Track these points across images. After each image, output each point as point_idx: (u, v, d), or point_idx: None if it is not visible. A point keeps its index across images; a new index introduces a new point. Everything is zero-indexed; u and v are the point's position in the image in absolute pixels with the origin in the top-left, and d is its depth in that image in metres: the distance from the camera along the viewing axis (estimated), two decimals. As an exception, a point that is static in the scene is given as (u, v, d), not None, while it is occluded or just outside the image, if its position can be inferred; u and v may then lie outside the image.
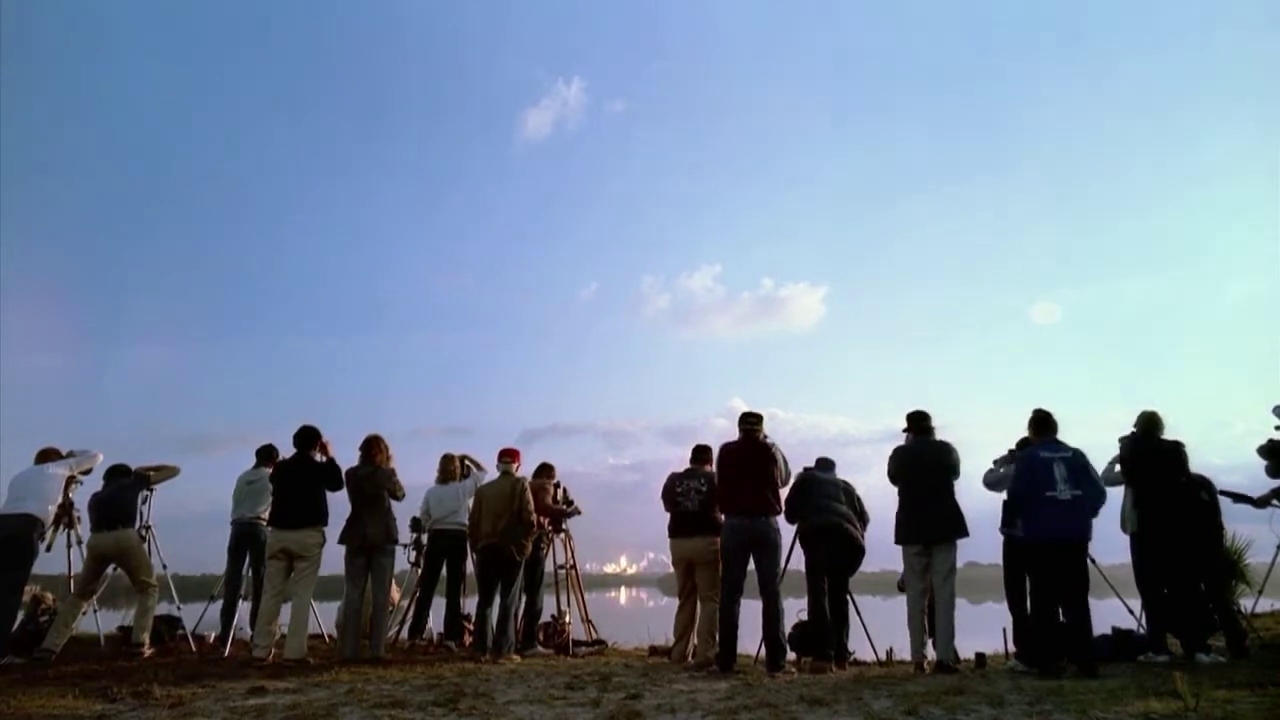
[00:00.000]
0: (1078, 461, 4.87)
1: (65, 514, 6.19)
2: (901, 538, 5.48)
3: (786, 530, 5.69)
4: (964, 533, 5.33)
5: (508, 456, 6.34)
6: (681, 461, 6.03)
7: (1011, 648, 5.59)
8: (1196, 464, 5.55)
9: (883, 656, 6.12)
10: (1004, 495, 5.49)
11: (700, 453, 5.99)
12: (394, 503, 6.04)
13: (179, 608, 6.82)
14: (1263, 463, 5.76)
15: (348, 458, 6.04)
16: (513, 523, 6.01)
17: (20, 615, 6.04)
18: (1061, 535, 4.82)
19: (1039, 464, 4.92)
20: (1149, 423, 5.62)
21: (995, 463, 5.73)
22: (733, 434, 5.61)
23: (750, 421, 5.53)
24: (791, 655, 5.84)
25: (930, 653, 5.29)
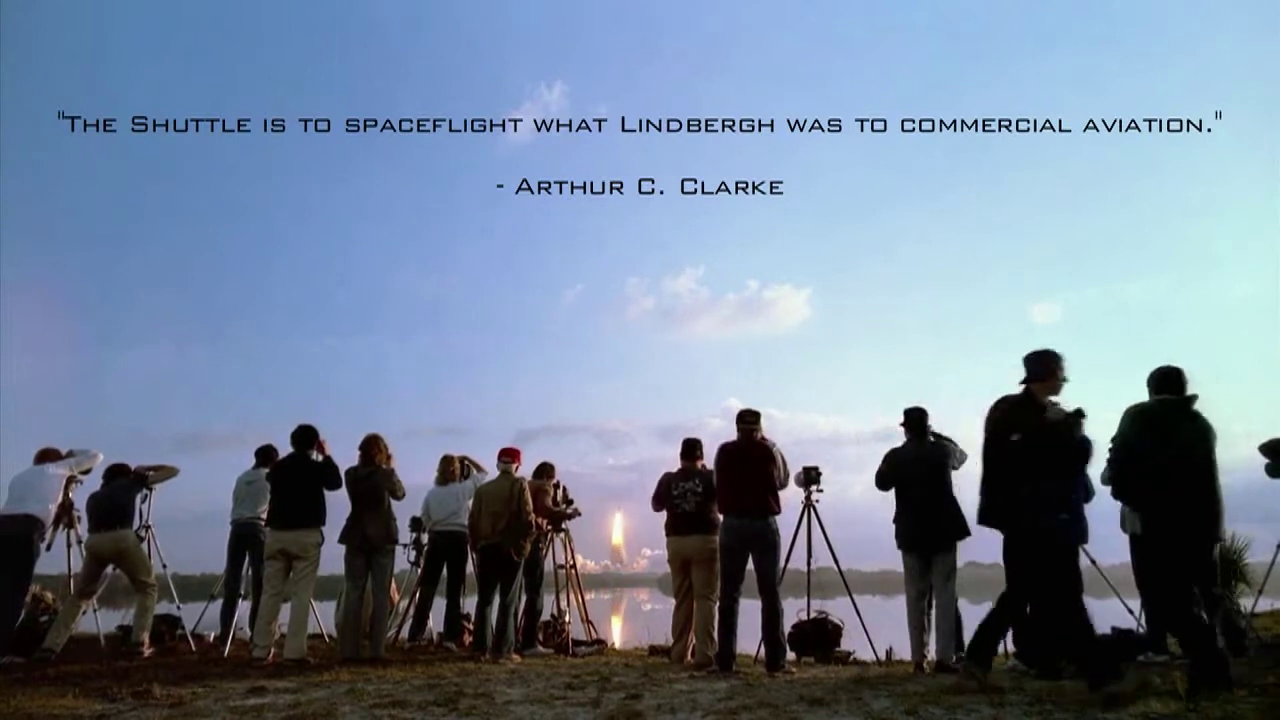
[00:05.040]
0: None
1: (65, 514, 6.19)
2: (902, 544, 5.45)
3: (786, 530, 5.70)
4: (965, 534, 5.32)
5: (508, 456, 6.33)
6: (678, 461, 5.94)
7: (1011, 648, 5.59)
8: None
9: (883, 656, 6.13)
10: None
11: (690, 448, 5.90)
12: (394, 502, 6.03)
13: (179, 607, 6.83)
14: (1262, 461, 5.75)
15: (346, 457, 6.04)
16: (512, 523, 6.00)
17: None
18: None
19: None
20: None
21: None
22: (729, 434, 5.59)
23: (748, 420, 5.50)
24: (791, 655, 5.85)
25: (930, 653, 5.29)
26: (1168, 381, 4.35)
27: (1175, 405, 4.28)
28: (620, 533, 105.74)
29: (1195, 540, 4.11)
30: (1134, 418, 4.34)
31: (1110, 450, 4.53)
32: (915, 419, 5.54)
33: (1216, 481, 4.15)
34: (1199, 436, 4.19)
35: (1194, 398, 4.28)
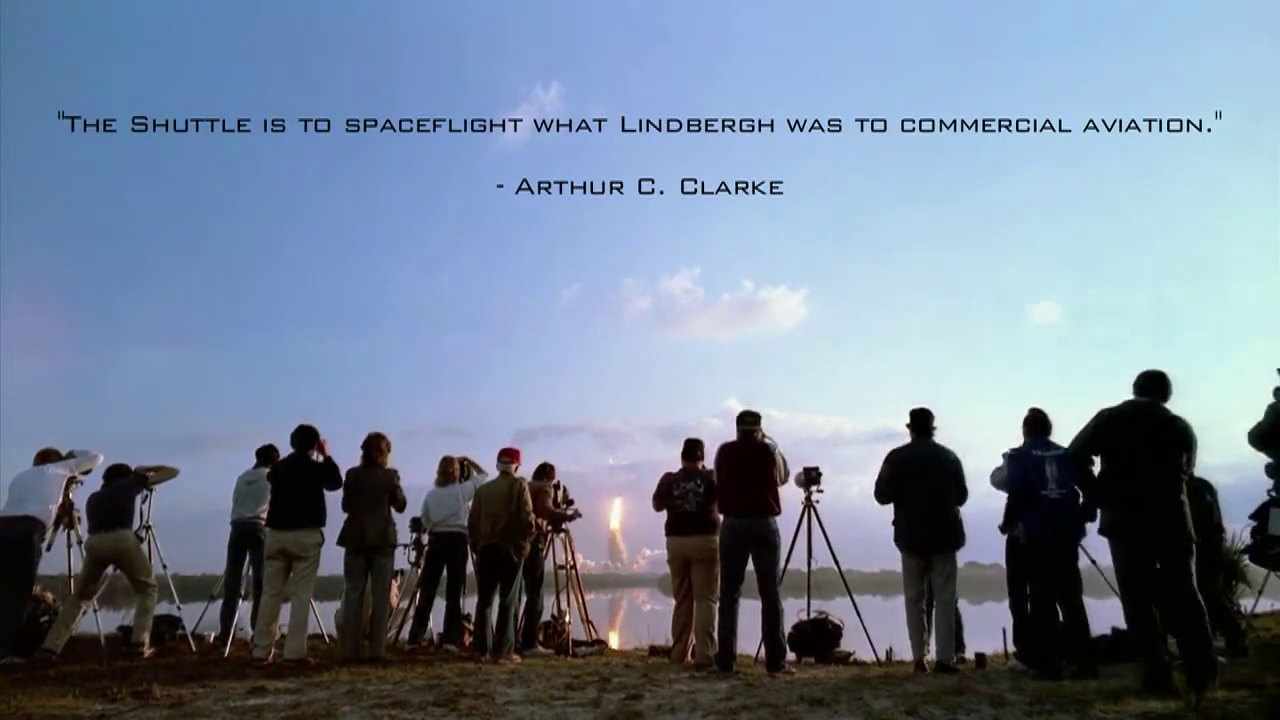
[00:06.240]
0: (1069, 460, 4.87)
1: (66, 515, 6.18)
2: (901, 544, 5.43)
3: (786, 530, 5.69)
4: (962, 543, 5.33)
5: (507, 456, 6.31)
6: (677, 462, 5.93)
7: (1011, 648, 5.59)
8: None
9: (883, 656, 6.13)
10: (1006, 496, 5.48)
11: (692, 448, 5.89)
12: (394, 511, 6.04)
13: (179, 608, 6.82)
14: (1263, 461, 5.66)
15: (346, 458, 6.04)
16: (511, 524, 6.00)
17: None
18: (1052, 533, 4.82)
19: (1031, 462, 4.92)
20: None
21: (1005, 456, 5.68)
22: (729, 434, 5.59)
23: (748, 421, 5.50)
24: (791, 655, 5.84)
25: (931, 653, 5.29)
26: (1150, 385, 4.37)
27: (1144, 408, 4.30)
28: (618, 519, 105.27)
29: (1162, 543, 4.10)
30: (1096, 420, 4.38)
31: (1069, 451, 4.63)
32: (920, 419, 5.52)
33: (1181, 484, 4.14)
34: (1169, 440, 4.19)
35: (1155, 401, 4.30)
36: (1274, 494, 4.87)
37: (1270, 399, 4.83)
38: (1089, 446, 4.47)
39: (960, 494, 5.38)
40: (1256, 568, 6.18)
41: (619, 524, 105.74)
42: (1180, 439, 4.19)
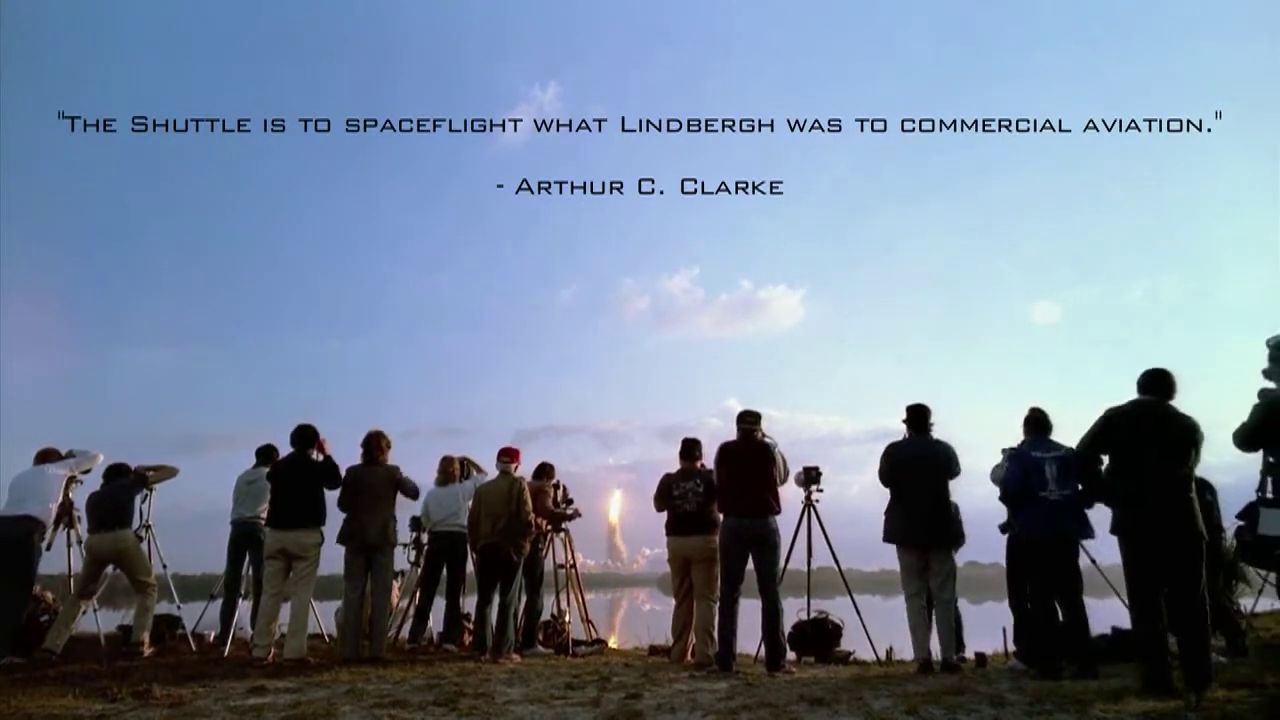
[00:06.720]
0: (1069, 461, 4.86)
1: (65, 514, 6.18)
2: (895, 539, 5.40)
3: (786, 530, 5.69)
4: (961, 541, 5.32)
5: (507, 456, 6.32)
6: (676, 462, 5.93)
7: (1011, 647, 5.59)
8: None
9: (883, 656, 6.13)
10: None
11: (690, 448, 5.90)
12: (396, 502, 6.02)
13: (179, 607, 6.82)
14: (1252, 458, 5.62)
15: (347, 457, 6.03)
16: (511, 523, 6.00)
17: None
18: (1052, 534, 4.82)
19: (1030, 463, 4.91)
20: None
21: (1004, 452, 5.68)
22: (728, 434, 5.59)
23: (749, 421, 5.51)
24: (791, 655, 5.84)
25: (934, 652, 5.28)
26: (1153, 383, 4.36)
27: (1147, 407, 4.30)
28: (617, 514, 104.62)
29: (1169, 541, 4.08)
30: (1101, 419, 4.38)
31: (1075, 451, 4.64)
32: (917, 415, 5.51)
33: (1188, 482, 4.12)
34: (1172, 437, 4.18)
35: (1160, 400, 4.28)
36: (1261, 494, 4.85)
37: (1256, 399, 4.82)
38: (1094, 446, 4.47)
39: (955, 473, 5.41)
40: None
41: (617, 518, 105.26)
42: (1184, 436, 4.18)
